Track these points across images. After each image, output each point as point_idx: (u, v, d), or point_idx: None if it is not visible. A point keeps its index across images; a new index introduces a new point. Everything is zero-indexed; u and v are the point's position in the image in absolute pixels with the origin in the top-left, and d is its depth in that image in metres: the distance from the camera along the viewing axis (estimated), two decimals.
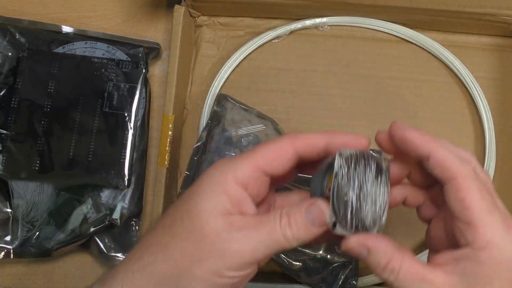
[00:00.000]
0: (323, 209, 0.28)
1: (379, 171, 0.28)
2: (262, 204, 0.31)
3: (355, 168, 0.28)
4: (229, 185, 0.28)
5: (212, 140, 0.42)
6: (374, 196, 0.28)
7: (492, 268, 0.26)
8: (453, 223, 0.28)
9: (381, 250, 0.28)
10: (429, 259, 0.29)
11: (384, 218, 0.28)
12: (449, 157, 0.27)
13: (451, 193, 0.27)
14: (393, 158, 0.32)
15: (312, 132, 0.29)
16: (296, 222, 0.28)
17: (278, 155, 0.29)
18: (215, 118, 0.43)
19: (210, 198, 0.27)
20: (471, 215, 0.26)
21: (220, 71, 0.47)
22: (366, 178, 0.28)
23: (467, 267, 0.26)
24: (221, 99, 0.44)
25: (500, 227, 0.26)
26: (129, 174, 0.44)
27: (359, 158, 0.28)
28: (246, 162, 0.28)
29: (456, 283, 0.26)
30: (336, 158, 0.28)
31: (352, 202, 0.27)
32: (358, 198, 0.27)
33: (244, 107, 0.44)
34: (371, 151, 0.30)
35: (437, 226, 0.31)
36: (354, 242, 0.28)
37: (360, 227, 0.28)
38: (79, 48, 0.46)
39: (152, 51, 0.48)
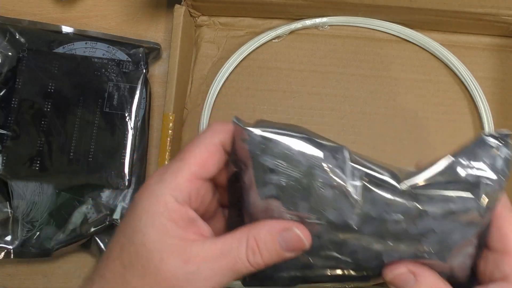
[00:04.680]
0: (300, 235, 0.26)
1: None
2: (208, 209, 0.29)
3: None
4: (171, 210, 0.25)
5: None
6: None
7: None
8: (491, 256, 0.27)
9: (428, 281, 0.26)
10: None
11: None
12: None
13: (490, 223, 0.26)
14: None
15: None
16: (268, 249, 0.25)
17: (209, 154, 0.26)
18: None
19: (156, 234, 0.24)
20: (507, 243, 0.25)
21: (220, 71, 0.47)
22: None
23: None
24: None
25: None
26: (130, 174, 0.44)
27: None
28: (180, 175, 0.26)
29: None
30: None
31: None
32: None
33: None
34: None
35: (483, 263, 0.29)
36: (402, 269, 0.26)
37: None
38: (79, 48, 0.46)
39: (152, 51, 0.48)
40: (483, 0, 0.43)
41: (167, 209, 0.25)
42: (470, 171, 0.26)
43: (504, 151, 0.26)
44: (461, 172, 0.26)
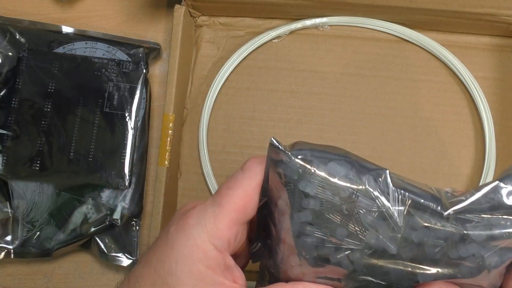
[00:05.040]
0: None
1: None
2: (241, 248, 0.29)
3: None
4: (209, 258, 0.25)
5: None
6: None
7: None
8: None
9: None
10: None
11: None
12: None
13: None
14: None
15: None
16: None
17: (248, 199, 0.26)
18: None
19: (192, 281, 0.25)
20: None
21: (220, 71, 0.48)
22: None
23: None
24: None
25: None
26: (130, 174, 0.44)
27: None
28: (220, 221, 0.25)
29: None
30: None
31: None
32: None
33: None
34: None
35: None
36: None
37: None
38: (79, 48, 0.46)
39: (153, 51, 0.48)
40: (483, 0, 0.43)
41: (206, 256, 0.25)
42: None
43: None
44: (505, 197, 0.26)
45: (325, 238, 0.26)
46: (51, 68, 0.45)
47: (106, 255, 0.44)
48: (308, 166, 0.25)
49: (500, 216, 0.25)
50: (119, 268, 0.45)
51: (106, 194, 0.44)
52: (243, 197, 0.26)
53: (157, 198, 0.42)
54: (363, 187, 0.25)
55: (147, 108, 0.46)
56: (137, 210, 0.44)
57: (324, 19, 0.48)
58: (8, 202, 0.43)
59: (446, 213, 0.26)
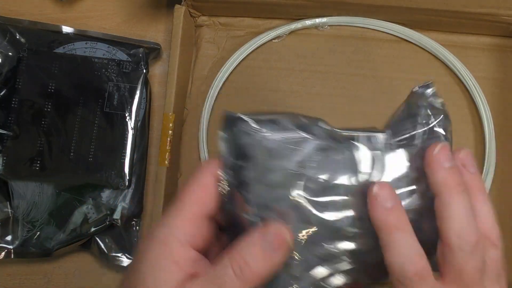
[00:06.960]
0: (279, 229, 0.25)
1: None
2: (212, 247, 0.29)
3: None
4: (175, 252, 0.25)
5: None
6: None
7: None
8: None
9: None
10: None
11: None
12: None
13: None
14: None
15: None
16: (253, 257, 0.24)
17: (204, 189, 0.27)
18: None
19: (158, 278, 0.25)
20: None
21: (220, 71, 0.48)
22: None
23: None
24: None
25: None
26: (130, 174, 0.44)
27: None
28: (181, 216, 0.26)
29: None
30: None
31: None
32: None
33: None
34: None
35: None
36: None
37: None
38: (79, 48, 0.46)
39: (153, 51, 0.48)
40: (483, 0, 0.43)
41: (171, 253, 0.25)
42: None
43: (429, 90, 0.31)
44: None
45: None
46: (51, 68, 0.45)
47: (106, 255, 0.44)
48: (258, 127, 0.27)
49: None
50: (119, 268, 0.45)
51: (106, 194, 0.44)
52: (200, 189, 0.27)
53: (157, 198, 0.42)
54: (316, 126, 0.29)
55: (147, 108, 0.46)
56: (137, 210, 0.44)
57: (324, 19, 0.48)
58: (8, 202, 0.43)
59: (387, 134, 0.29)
